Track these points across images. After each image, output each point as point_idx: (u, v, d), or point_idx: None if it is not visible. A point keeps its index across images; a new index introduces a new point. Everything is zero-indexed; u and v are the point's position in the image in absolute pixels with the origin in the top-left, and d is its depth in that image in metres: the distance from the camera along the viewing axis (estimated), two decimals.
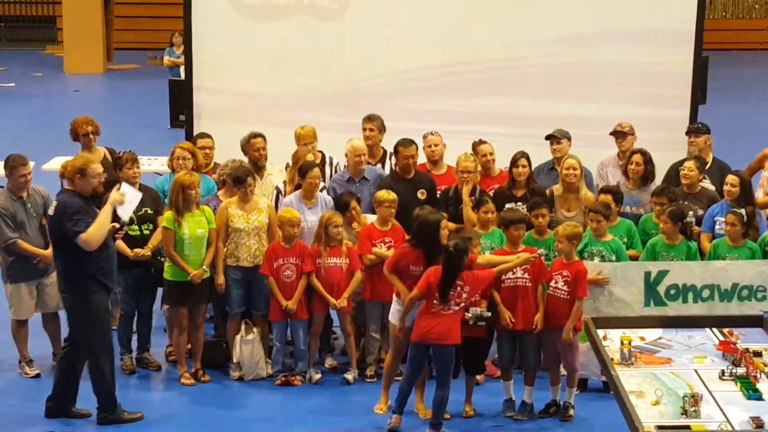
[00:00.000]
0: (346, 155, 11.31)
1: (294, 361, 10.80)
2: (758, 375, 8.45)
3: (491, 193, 11.00)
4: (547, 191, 11.01)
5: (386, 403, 10.07)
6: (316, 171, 10.86)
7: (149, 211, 10.73)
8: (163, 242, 10.52)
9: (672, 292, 10.29)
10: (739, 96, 24.85)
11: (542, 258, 10.06)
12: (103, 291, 9.49)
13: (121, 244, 10.53)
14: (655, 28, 12.56)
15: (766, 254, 10.40)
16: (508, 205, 10.76)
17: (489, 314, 9.79)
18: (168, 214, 10.48)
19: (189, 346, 10.80)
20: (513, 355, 10.11)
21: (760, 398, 8.14)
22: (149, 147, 14.09)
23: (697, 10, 12.59)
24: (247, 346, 10.67)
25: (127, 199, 9.55)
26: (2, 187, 10.78)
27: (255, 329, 10.74)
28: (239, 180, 10.66)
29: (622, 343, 8.86)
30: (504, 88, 12.69)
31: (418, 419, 9.90)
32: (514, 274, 9.94)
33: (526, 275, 9.94)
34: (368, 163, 11.39)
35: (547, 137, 11.53)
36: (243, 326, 10.75)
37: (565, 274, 9.91)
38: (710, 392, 8.24)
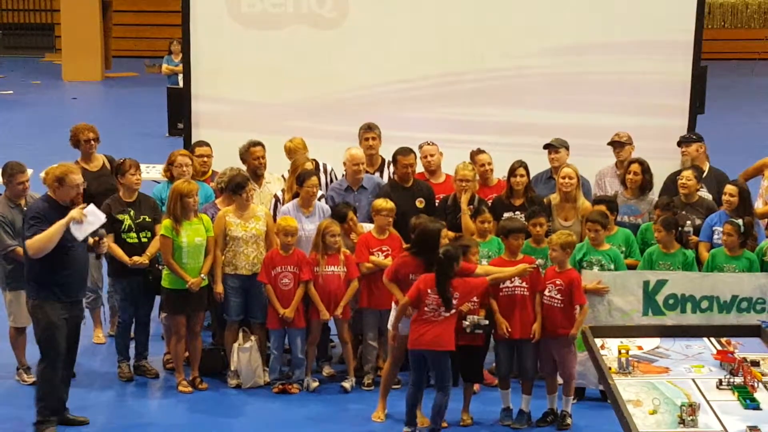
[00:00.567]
0: (345, 164, 11.32)
1: (291, 369, 10.80)
2: (756, 384, 8.45)
3: (489, 202, 11.01)
4: (545, 200, 11.02)
5: (384, 411, 10.08)
6: (314, 179, 10.87)
7: (147, 219, 10.73)
8: (161, 250, 10.52)
9: (671, 301, 10.29)
10: (738, 105, 24.89)
11: (540, 267, 10.06)
12: (57, 302, 9.45)
13: (119, 251, 10.55)
14: (654, 37, 12.56)
15: (764, 264, 10.40)
16: (506, 214, 10.78)
17: (486, 322, 9.79)
18: (166, 222, 10.48)
19: (187, 353, 10.80)
20: (511, 364, 10.12)
21: (757, 408, 8.14)
22: (147, 155, 14.08)
23: (695, 20, 12.59)
24: (244, 354, 10.67)
25: (87, 220, 9.37)
26: (0, 194, 10.77)
27: (253, 337, 10.75)
28: (238, 188, 10.67)
29: (619, 352, 8.86)
30: (503, 97, 12.69)
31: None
32: (512, 283, 9.95)
33: (523, 284, 9.95)
34: (366, 171, 11.39)
35: (545, 146, 11.55)
36: (241, 334, 10.75)
37: (558, 282, 9.92)
38: (708, 401, 8.24)
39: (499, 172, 11.38)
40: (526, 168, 11.03)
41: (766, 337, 9.30)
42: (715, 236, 10.66)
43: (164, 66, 22.43)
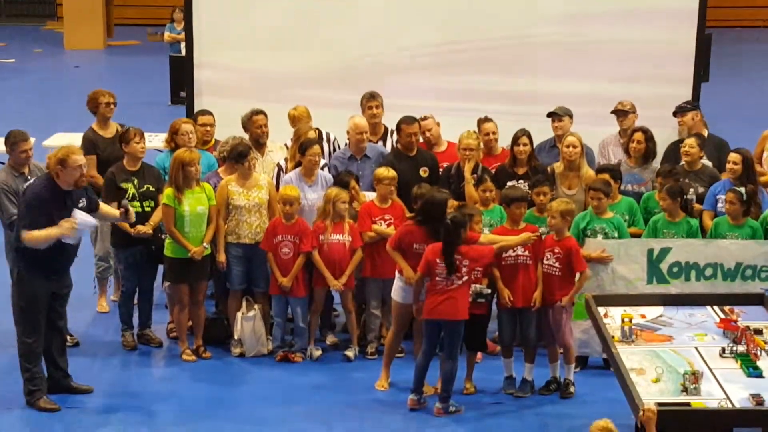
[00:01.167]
0: (348, 133, 11.29)
1: (293, 337, 10.81)
2: (759, 353, 8.47)
3: (493, 171, 10.99)
4: (549, 169, 11.00)
5: (387, 380, 10.10)
6: (316, 148, 10.84)
7: (151, 189, 10.72)
8: (164, 219, 10.52)
9: (675, 269, 10.28)
10: (742, 73, 24.80)
11: (542, 236, 10.05)
12: (41, 276, 9.43)
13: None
14: (658, 5, 12.50)
15: (767, 232, 10.39)
16: (509, 183, 10.76)
17: (489, 291, 9.80)
18: (168, 191, 10.47)
19: (190, 322, 10.82)
20: (513, 333, 10.12)
21: (760, 376, 8.17)
22: (150, 123, 14.05)
23: None
24: (248, 323, 10.69)
25: (78, 229, 9.35)
26: (3, 163, 10.76)
27: (256, 306, 10.76)
28: (240, 156, 10.65)
29: (622, 321, 8.89)
30: (506, 65, 12.64)
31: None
32: (514, 251, 9.94)
33: (526, 252, 9.95)
34: (369, 140, 11.37)
35: (549, 115, 11.52)
36: (244, 303, 10.76)
37: (556, 251, 9.93)
38: (711, 370, 8.26)
39: (503, 141, 11.35)
40: (529, 137, 11.00)
41: None
42: (719, 204, 10.64)
43: (166, 34, 22.36)
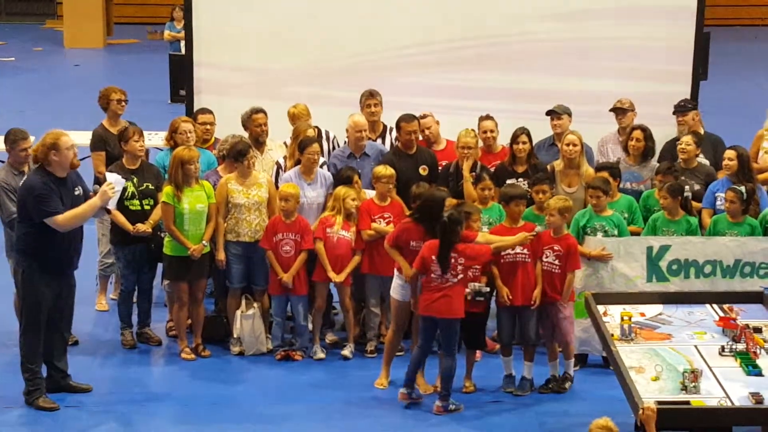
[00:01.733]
0: (347, 131, 11.29)
1: (294, 336, 10.81)
2: (758, 351, 8.48)
3: (492, 169, 10.99)
4: (549, 167, 11.00)
5: (387, 378, 10.09)
6: (315, 147, 10.84)
7: (150, 186, 10.72)
8: (163, 217, 10.52)
9: (674, 267, 10.29)
10: (741, 72, 24.80)
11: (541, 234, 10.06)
12: (45, 273, 9.43)
13: (121, 219, 10.55)
14: (657, 3, 12.51)
15: (766, 231, 10.39)
16: (509, 181, 10.77)
17: (487, 290, 9.79)
18: (167, 188, 10.47)
19: (189, 321, 10.82)
20: (512, 331, 10.12)
21: (759, 374, 8.17)
22: (150, 122, 14.04)
23: None
24: (247, 321, 10.68)
25: (116, 190, 9.50)
26: (2, 162, 10.75)
27: (255, 304, 10.76)
28: (239, 155, 10.65)
29: (622, 319, 8.89)
30: (505, 63, 12.64)
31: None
32: (513, 249, 9.94)
33: (525, 251, 9.94)
34: (369, 138, 11.37)
35: (548, 113, 11.52)
36: (243, 301, 10.76)
37: (556, 248, 9.93)
38: (710, 368, 8.27)
39: (502, 139, 11.35)
40: (528, 135, 11.00)
41: None
42: (718, 202, 10.65)
43: (166, 32, 22.35)
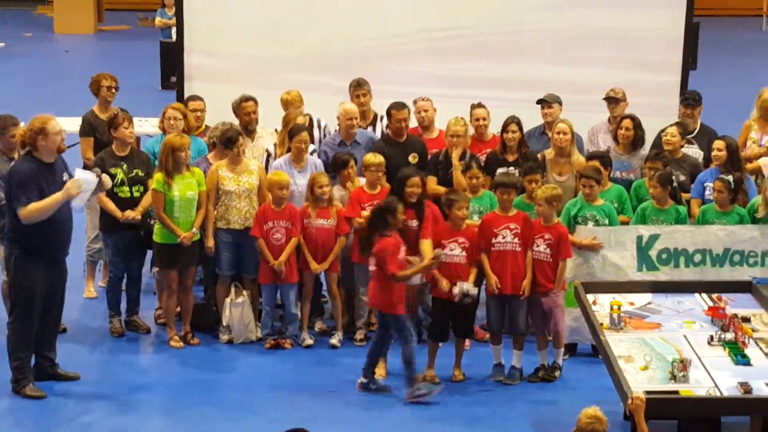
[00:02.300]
0: (338, 118, 11.28)
1: (284, 324, 10.80)
2: (746, 340, 8.49)
3: (483, 158, 10.99)
4: (539, 155, 10.99)
5: (384, 368, 10.08)
6: (304, 135, 10.82)
7: (140, 173, 10.70)
8: (153, 204, 10.50)
9: (664, 256, 10.29)
10: (730, 62, 24.81)
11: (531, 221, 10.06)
12: (37, 261, 9.40)
13: (110, 205, 10.53)
14: None
15: (754, 220, 10.41)
16: (500, 170, 10.76)
17: (475, 291, 9.82)
18: (158, 176, 10.44)
19: (178, 308, 10.80)
20: (502, 320, 10.12)
21: (748, 363, 8.19)
22: (140, 108, 14.01)
23: None
24: (236, 309, 10.67)
25: (84, 189, 9.34)
26: None
27: (245, 292, 10.74)
28: (229, 142, 10.63)
29: (611, 308, 8.90)
30: (496, 52, 12.64)
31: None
32: (504, 238, 9.93)
33: (516, 239, 9.93)
34: (359, 126, 11.35)
35: (539, 102, 11.51)
36: (233, 289, 10.74)
37: (546, 237, 9.93)
38: (699, 357, 8.28)
39: (493, 128, 11.34)
40: (518, 124, 10.99)
41: (756, 293, 9.35)
42: (707, 192, 10.66)
43: (157, 19, 22.26)
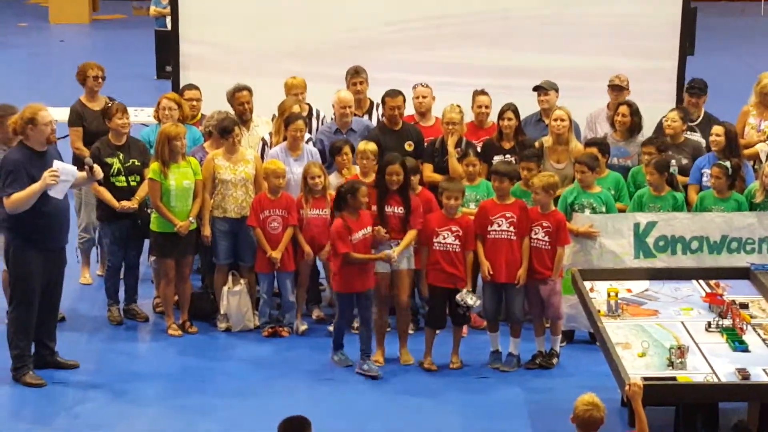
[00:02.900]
0: (333, 107, 11.27)
1: (281, 312, 10.81)
2: (744, 327, 8.50)
3: (480, 145, 10.99)
4: (537, 143, 10.99)
5: (382, 355, 10.11)
6: (300, 123, 10.80)
7: (136, 163, 10.69)
8: (149, 193, 10.49)
9: (661, 243, 10.30)
10: (727, 47, 24.79)
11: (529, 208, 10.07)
12: (34, 249, 9.40)
13: (107, 195, 10.53)
14: None
15: (752, 206, 10.41)
16: (497, 157, 10.77)
17: (472, 302, 9.86)
18: (154, 165, 10.44)
19: (176, 297, 10.80)
20: (498, 307, 10.13)
21: (746, 350, 8.19)
22: (135, 98, 13.99)
23: None
24: (234, 298, 10.68)
25: (61, 179, 9.26)
26: None
27: (242, 281, 10.75)
28: (225, 131, 10.62)
29: (609, 295, 8.90)
30: (493, 39, 12.61)
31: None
32: (499, 227, 9.94)
33: (511, 228, 9.93)
34: (355, 114, 11.34)
35: (535, 89, 11.50)
36: (230, 278, 10.75)
37: (545, 224, 9.93)
38: (696, 344, 8.29)
39: (491, 115, 11.34)
40: (514, 111, 10.98)
41: (754, 279, 9.35)
42: (704, 178, 10.66)
43: (152, 8, 22.18)
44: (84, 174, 9.62)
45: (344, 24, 12.68)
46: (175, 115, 10.99)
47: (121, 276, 11.00)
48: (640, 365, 7.99)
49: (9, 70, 22.46)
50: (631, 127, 11.19)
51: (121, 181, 10.62)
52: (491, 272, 9.92)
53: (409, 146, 11.01)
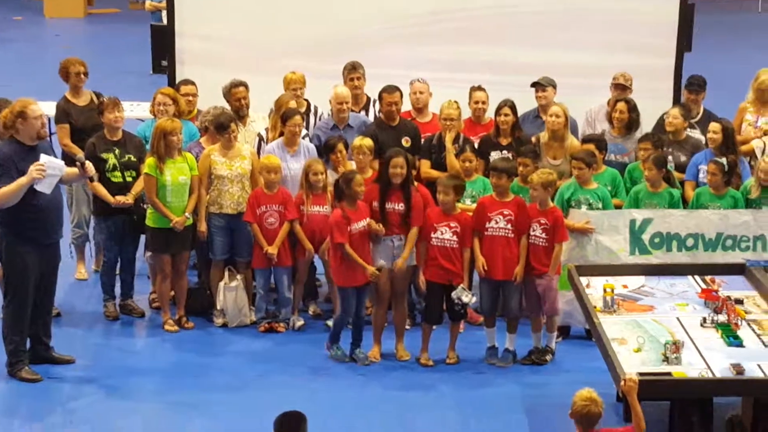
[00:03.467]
0: (330, 102, 11.27)
1: (277, 308, 10.82)
2: (739, 322, 8.52)
3: (477, 141, 10.99)
4: (534, 139, 10.99)
5: (379, 351, 10.13)
6: (297, 119, 10.80)
7: (132, 158, 10.69)
8: (145, 189, 10.49)
9: (656, 240, 10.31)
10: (725, 44, 24.81)
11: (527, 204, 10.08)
12: (28, 244, 9.39)
13: (102, 190, 10.52)
14: None
15: (748, 202, 10.43)
16: (494, 153, 10.78)
17: (468, 300, 9.87)
18: (150, 160, 10.43)
19: (172, 293, 10.81)
20: (494, 304, 10.13)
21: (740, 345, 8.21)
22: (131, 93, 14.00)
23: None
24: (230, 293, 10.68)
25: (48, 174, 9.21)
26: None
27: (238, 276, 10.75)
28: (222, 127, 10.62)
29: (604, 291, 8.91)
30: (491, 35, 12.59)
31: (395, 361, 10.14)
32: (497, 224, 9.94)
33: (509, 226, 9.93)
34: (352, 110, 11.34)
35: (533, 85, 11.51)
36: (226, 273, 10.75)
37: (542, 221, 9.93)
38: (692, 339, 8.30)
39: (488, 111, 11.34)
40: (511, 107, 10.98)
41: (750, 275, 9.37)
42: (701, 175, 10.67)
43: (148, 2, 22.19)
44: (75, 170, 9.59)
45: (342, 19, 12.67)
46: (170, 110, 10.99)
47: (117, 271, 11.00)
48: (635, 360, 7.99)
49: (3, 63, 22.44)
50: (629, 124, 11.20)
51: (116, 177, 10.62)
52: (486, 268, 9.93)
53: (406, 142, 11.02)
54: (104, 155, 10.56)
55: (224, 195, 10.65)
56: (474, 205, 10.20)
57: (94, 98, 11.42)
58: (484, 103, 11.28)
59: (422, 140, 11.09)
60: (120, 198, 10.55)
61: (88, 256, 11.88)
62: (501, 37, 12.60)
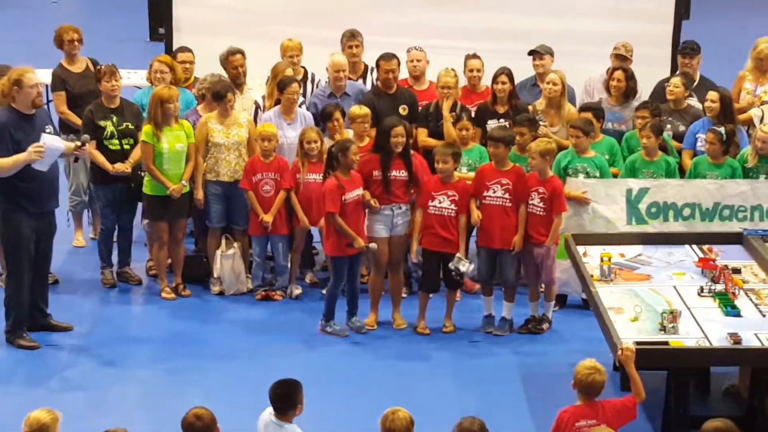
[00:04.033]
0: (327, 70, 11.23)
1: (274, 276, 10.81)
2: (736, 291, 8.52)
3: (474, 109, 10.96)
4: (530, 107, 10.96)
5: (375, 319, 10.13)
6: (295, 86, 10.77)
7: (130, 126, 10.66)
8: (142, 156, 10.47)
9: (653, 210, 10.31)
10: (723, 12, 24.71)
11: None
12: (23, 213, 9.38)
13: (100, 158, 10.50)
14: None
15: (745, 170, 10.41)
16: (490, 122, 10.75)
17: (464, 268, 9.84)
18: (147, 128, 10.41)
19: (169, 260, 10.80)
20: (492, 272, 10.13)
21: (738, 315, 8.21)
22: (128, 60, 13.93)
23: None
24: (227, 261, 10.68)
25: (46, 153, 9.20)
26: None
27: (235, 244, 10.75)
28: (219, 95, 10.58)
29: (602, 260, 8.91)
30: (488, 3, 12.54)
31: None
32: (494, 192, 9.92)
33: (506, 195, 9.91)
34: (350, 78, 11.30)
35: (530, 53, 11.46)
36: (223, 241, 10.74)
37: (541, 191, 9.91)
38: (689, 309, 8.31)
39: (485, 80, 11.30)
40: (508, 75, 10.94)
41: (747, 244, 9.36)
42: (698, 143, 10.66)
43: None
44: (72, 145, 9.60)
45: None
46: (167, 77, 10.95)
47: (115, 239, 10.99)
48: (632, 330, 8.00)
49: (1, 31, 22.34)
50: (626, 92, 11.17)
51: (114, 144, 10.59)
52: (480, 217, 9.87)
53: (403, 110, 10.98)
54: (102, 123, 10.53)
55: (221, 163, 10.63)
56: (471, 173, 10.17)
57: (90, 65, 11.38)
58: (479, 71, 11.24)
59: (419, 108, 11.06)
60: (118, 166, 10.53)
61: (86, 223, 11.88)
62: (499, 5, 12.55)
